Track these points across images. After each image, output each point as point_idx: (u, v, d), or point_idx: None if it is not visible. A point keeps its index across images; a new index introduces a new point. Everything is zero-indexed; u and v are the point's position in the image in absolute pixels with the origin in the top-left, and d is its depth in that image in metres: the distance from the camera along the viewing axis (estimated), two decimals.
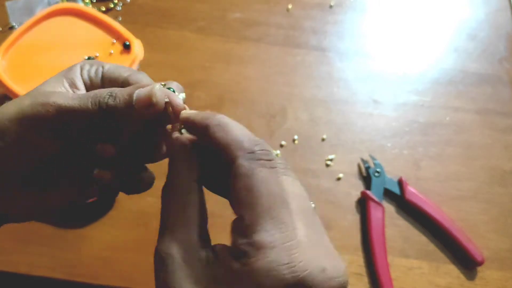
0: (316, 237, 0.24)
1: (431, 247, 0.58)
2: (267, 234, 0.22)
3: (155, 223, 0.58)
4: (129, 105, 0.28)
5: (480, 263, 0.56)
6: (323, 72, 0.70)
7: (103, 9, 0.72)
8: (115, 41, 0.60)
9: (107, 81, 0.32)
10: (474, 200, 0.61)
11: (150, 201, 0.58)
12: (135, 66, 0.59)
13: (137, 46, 0.60)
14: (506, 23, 0.77)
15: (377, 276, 0.55)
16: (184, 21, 0.72)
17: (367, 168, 0.61)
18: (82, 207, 0.56)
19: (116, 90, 0.29)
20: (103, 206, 0.57)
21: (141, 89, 0.28)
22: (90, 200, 0.56)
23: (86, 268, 0.54)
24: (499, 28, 0.76)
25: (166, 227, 0.25)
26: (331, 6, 0.76)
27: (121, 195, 0.58)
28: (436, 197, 0.61)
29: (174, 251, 0.24)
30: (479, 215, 0.60)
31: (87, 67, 0.33)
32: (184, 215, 0.26)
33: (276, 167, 0.25)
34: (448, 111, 0.68)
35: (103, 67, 0.33)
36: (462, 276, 0.56)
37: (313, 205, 0.28)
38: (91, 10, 0.61)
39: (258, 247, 0.22)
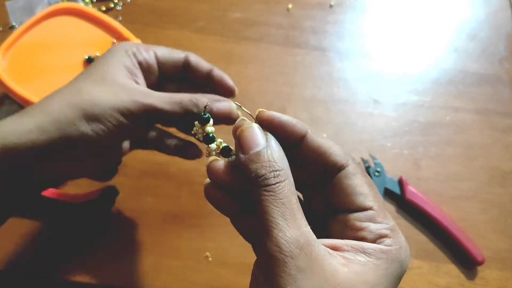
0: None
1: (431, 247, 0.58)
2: (392, 221, 0.27)
3: (155, 223, 0.58)
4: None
5: (480, 263, 0.56)
6: (323, 72, 0.70)
7: (103, 8, 0.72)
8: (115, 40, 0.60)
9: (163, 65, 0.40)
10: (474, 200, 0.61)
11: (150, 201, 0.58)
12: None
13: None
14: (506, 23, 0.77)
15: None
16: (184, 21, 0.72)
17: (367, 168, 0.61)
18: (82, 207, 0.57)
19: (199, 101, 0.37)
20: (103, 206, 0.57)
21: (220, 103, 0.38)
22: (91, 200, 0.57)
23: (86, 268, 0.54)
24: (499, 28, 0.76)
25: (291, 214, 0.25)
26: (331, 6, 0.76)
27: (121, 195, 0.59)
28: (436, 197, 0.61)
29: (310, 240, 0.24)
30: (479, 215, 0.60)
31: (137, 51, 0.39)
32: (298, 204, 0.26)
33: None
34: (448, 111, 0.68)
35: (155, 52, 0.40)
36: (462, 276, 0.56)
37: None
38: (91, 10, 0.61)
39: (394, 229, 0.27)
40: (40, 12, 0.60)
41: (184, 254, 0.55)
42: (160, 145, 0.46)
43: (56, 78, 0.57)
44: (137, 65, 0.39)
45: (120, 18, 0.71)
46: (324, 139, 0.29)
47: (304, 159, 0.29)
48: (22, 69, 0.57)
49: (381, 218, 0.27)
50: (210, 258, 0.55)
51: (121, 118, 0.35)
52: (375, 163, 0.61)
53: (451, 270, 0.57)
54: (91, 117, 0.34)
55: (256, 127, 0.28)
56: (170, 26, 0.71)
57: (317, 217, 0.29)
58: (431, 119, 0.67)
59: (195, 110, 0.36)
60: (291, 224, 0.24)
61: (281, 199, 0.25)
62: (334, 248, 0.26)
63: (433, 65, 0.72)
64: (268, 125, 0.29)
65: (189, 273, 0.54)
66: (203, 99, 0.37)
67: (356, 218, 0.27)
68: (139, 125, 0.37)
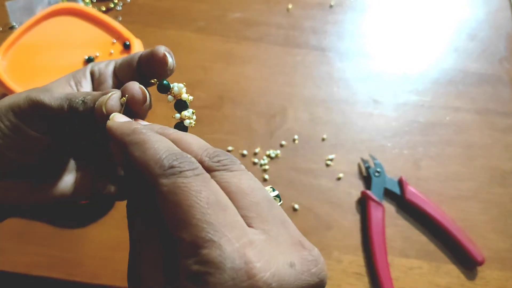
0: (275, 229, 0.22)
1: (431, 247, 0.58)
2: (213, 245, 0.20)
3: None
4: (91, 111, 0.28)
5: (480, 263, 0.56)
6: (323, 72, 0.70)
7: (103, 9, 0.72)
8: (115, 41, 0.60)
9: (121, 73, 0.32)
10: (474, 200, 0.61)
11: None
12: None
13: (137, 46, 0.60)
14: (506, 23, 0.77)
15: (377, 276, 0.55)
16: (184, 21, 0.72)
17: (367, 168, 0.61)
18: (82, 207, 0.57)
19: (89, 96, 0.28)
20: (103, 206, 0.57)
21: (102, 97, 0.28)
22: (82, 202, 0.56)
23: (85, 268, 0.54)
24: (499, 28, 0.76)
25: None
26: (331, 6, 0.76)
27: None
28: (436, 197, 0.61)
29: None
30: (479, 215, 0.60)
31: (100, 65, 0.33)
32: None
33: (202, 173, 0.22)
34: (448, 111, 0.68)
35: (116, 63, 0.33)
36: (462, 276, 0.56)
37: (275, 193, 0.26)
38: (91, 10, 0.61)
39: (206, 261, 0.20)
40: (40, 12, 0.60)
41: None
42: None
43: (56, 78, 0.57)
44: (87, 74, 0.33)
45: (120, 18, 0.71)
46: (142, 149, 0.24)
47: None
48: (22, 69, 0.57)
49: (192, 250, 0.22)
50: None
51: (12, 117, 0.29)
52: (375, 163, 0.61)
53: (451, 270, 0.57)
54: None
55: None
56: (170, 26, 0.71)
57: None
58: (431, 119, 0.67)
59: (80, 108, 0.28)
60: None
61: None
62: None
63: (433, 65, 0.72)
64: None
65: None
66: (90, 96, 0.28)
67: (179, 249, 0.23)
68: (31, 125, 0.29)
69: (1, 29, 0.69)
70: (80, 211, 0.57)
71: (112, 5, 0.72)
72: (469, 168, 0.63)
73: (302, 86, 0.68)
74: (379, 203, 0.58)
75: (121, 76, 0.32)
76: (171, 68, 0.30)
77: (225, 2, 0.75)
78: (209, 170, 0.23)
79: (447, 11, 0.78)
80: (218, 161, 0.24)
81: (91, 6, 0.72)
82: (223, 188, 0.23)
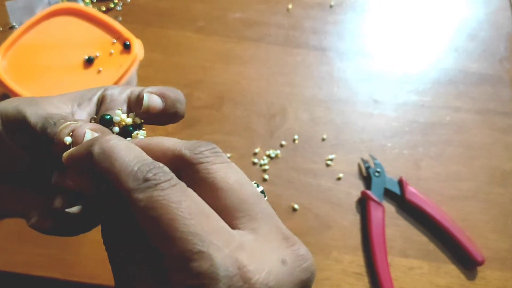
0: (264, 226, 0.21)
1: (431, 247, 0.58)
2: (202, 256, 0.19)
3: None
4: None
5: (480, 263, 0.56)
6: (323, 72, 0.70)
7: (103, 9, 0.72)
8: (115, 41, 0.60)
9: (133, 104, 0.28)
10: (474, 200, 0.61)
11: None
12: (135, 66, 0.59)
13: (137, 46, 0.60)
14: (506, 23, 0.77)
15: (377, 276, 0.55)
16: (184, 21, 0.72)
17: (367, 168, 0.61)
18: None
19: (62, 120, 0.25)
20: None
21: (63, 125, 0.25)
22: None
23: (85, 268, 0.54)
24: (500, 28, 0.76)
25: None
26: (331, 6, 0.76)
27: None
28: (436, 197, 0.61)
29: None
30: (479, 215, 0.60)
31: (113, 88, 0.29)
32: None
33: (178, 183, 0.20)
34: (448, 111, 0.68)
35: (132, 91, 0.29)
36: (462, 276, 0.56)
37: (260, 189, 0.24)
38: (91, 10, 0.61)
39: (199, 274, 0.19)
40: (40, 12, 0.60)
41: None
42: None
43: (56, 78, 0.57)
44: (95, 97, 0.29)
45: (120, 18, 0.71)
46: (111, 159, 0.21)
47: None
48: (22, 69, 0.57)
49: (183, 263, 0.20)
50: None
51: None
52: (375, 163, 0.61)
53: (452, 270, 0.57)
54: None
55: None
56: (170, 26, 0.71)
57: None
58: (431, 119, 0.67)
59: (48, 130, 0.25)
60: None
61: None
62: None
63: (433, 65, 0.72)
64: (76, 166, 0.23)
65: None
66: (68, 124, 0.25)
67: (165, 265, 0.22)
68: (12, 136, 0.27)
69: (1, 29, 0.69)
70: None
71: (112, 5, 0.72)
72: (469, 168, 0.63)
73: (302, 86, 0.68)
74: (379, 203, 0.58)
75: (133, 107, 0.28)
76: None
77: (225, 2, 0.75)
78: (191, 163, 0.22)
79: (447, 11, 0.78)
80: (201, 152, 0.22)
81: (91, 6, 0.72)
82: (209, 184, 0.21)
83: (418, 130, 0.66)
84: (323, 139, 0.64)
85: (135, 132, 0.26)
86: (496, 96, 0.69)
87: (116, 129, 0.26)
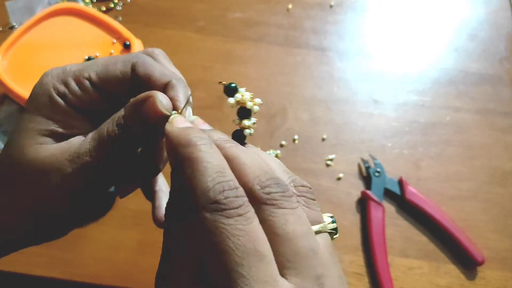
0: (307, 285, 0.21)
1: (431, 247, 0.58)
2: None
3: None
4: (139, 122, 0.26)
5: (480, 263, 0.56)
6: (323, 72, 0.70)
7: (103, 9, 0.72)
8: (115, 41, 0.60)
9: (108, 85, 0.28)
10: (474, 200, 0.61)
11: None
12: None
13: (137, 46, 0.60)
14: (506, 23, 0.77)
15: (377, 276, 0.55)
16: (184, 21, 0.72)
17: (367, 168, 0.61)
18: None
19: (120, 120, 0.27)
20: (103, 206, 0.57)
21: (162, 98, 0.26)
22: None
23: (85, 268, 0.54)
24: (500, 28, 0.76)
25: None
26: (331, 6, 0.76)
27: None
28: (436, 197, 0.61)
29: None
30: (479, 215, 0.60)
31: (62, 88, 0.28)
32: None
33: (245, 213, 0.21)
34: (448, 111, 0.68)
35: (90, 77, 0.28)
36: (462, 276, 0.56)
37: (333, 225, 0.25)
38: (91, 10, 0.61)
39: None
40: (40, 12, 0.60)
41: None
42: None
43: None
44: (58, 108, 0.27)
45: (120, 18, 0.71)
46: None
47: None
48: (22, 69, 0.57)
49: None
50: None
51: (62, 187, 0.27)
52: (375, 163, 0.61)
53: (452, 270, 0.57)
54: None
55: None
56: (170, 26, 0.71)
57: None
58: (431, 119, 0.67)
59: (120, 134, 0.26)
60: None
61: None
62: None
63: (433, 65, 0.72)
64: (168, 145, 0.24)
65: None
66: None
67: None
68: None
69: (1, 29, 0.69)
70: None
71: (112, 5, 0.72)
72: (469, 168, 0.63)
73: (302, 86, 0.68)
74: (379, 203, 0.58)
75: (108, 89, 0.28)
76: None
77: (225, 2, 0.75)
78: (257, 201, 0.22)
79: (447, 11, 0.78)
80: (269, 193, 0.22)
81: (91, 6, 0.72)
82: (267, 227, 0.22)
83: (418, 130, 0.66)
84: (323, 139, 0.64)
85: (250, 119, 0.28)
86: (496, 96, 0.69)
87: (232, 100, 0.28)
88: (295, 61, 0.70)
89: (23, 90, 0.54)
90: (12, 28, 0.68)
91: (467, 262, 0.57)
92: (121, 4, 0.73)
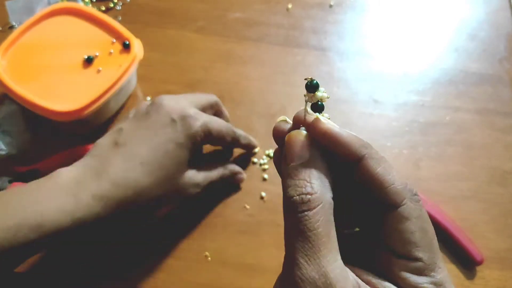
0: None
1: None
2: (443, 273, 0.25)
3: (155, 223, 0.58)
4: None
5: (479, 263, 0.56)
6: (323, 72, 0.70)
7: (103, 8, 0.72)
8: (115, 40, 0.60)
9: (213, 140, 0.52)
10: (474, 200, 0.61)
11: None
12: (134, 66, 0.59)
13: (137, 46, 0.60)
14: (506, 23, 0.77)
15: None
16: (184, 21, 0.72)
17: None
18: None
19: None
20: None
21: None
22: None
23: (86, 268, 0.54)
24: (500, 28, 0.76)
25: (314, 251, 0.22)
26: (331, 6, 0.76)
27: None
28: (436, 197, 0.61)
29: (332, 280, 0.22)
30: (479, 215, 0.60)
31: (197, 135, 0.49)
32: (331, 239, 0.23)
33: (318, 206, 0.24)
34: (448, 111, 0.68)
35: (210, 130, 0.50)
36: (461, 276, 0.56)
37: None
38: (91, 9, 0.61)
39: (439, 284, 0.25)
40: (40, 11, 0.60)
41: (184, 254, 0.55)
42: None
43: (56, 78, 0.57)
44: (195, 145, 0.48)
45: (120, 18, 0.71)
46: (383, 166, 0.25)
47: (358, 185, 0.26)
48: (22, 69, 0.57)
49: (428, 271, 0.25)
50: (209, 258, 0.55)
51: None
52: None
53: (451, 270, 0.57)
54: None
55: (304, 136, 0.25)
56: (170, 26, 0.71)
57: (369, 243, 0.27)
58: (431, 119, 0.67)
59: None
60: (311, 263, 0.22)
61: (305, 232, 0.22)
62: (368, 283, 0.24)
63: (433, 65, 0.72)
64: (321, 138, 0.26)
65: (189, 273, 0.54)
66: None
67: (399, 264, 0.24)
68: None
69: (0, 28, 0.69)
70: None
71: (111, 5, 0.72)
72: (469, 168, 0.63)
73: (302, 86, 0.68)
74: None
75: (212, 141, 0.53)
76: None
77: (225, 2, 0.75)
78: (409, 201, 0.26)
79: (447, 11, 0.78)
80: (415, 194, 0.26)
81: (90, 5, 0.72)
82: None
83: (418, 130, 0.66)
84: None
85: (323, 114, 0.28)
86: (496, 96, 0.69)
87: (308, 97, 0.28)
88: (295, 61, 0.70)
89: (23, 90, 0.54)
90: (11, 27, 0.68)
91: (466, 262, 0.57)
92: (121, 4, 0.73)
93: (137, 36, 0.61)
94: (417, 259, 0.25)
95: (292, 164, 0.24)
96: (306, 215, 0.23)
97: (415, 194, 0.25)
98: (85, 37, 0.60)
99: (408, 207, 0.25)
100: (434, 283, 0.25)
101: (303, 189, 0.23)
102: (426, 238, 0.25)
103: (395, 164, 0.62)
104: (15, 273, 0.53)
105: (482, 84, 0.70)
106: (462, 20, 0.77)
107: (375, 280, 0.24)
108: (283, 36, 0.72)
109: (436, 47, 0.74)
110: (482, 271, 0.57)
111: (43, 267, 0.53)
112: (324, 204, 0.23)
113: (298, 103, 0.67)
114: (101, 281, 0.53)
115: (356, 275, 0.24)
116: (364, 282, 0.24)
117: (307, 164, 0.24)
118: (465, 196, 0.61)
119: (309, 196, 0.23)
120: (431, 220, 0.59)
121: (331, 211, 0.24)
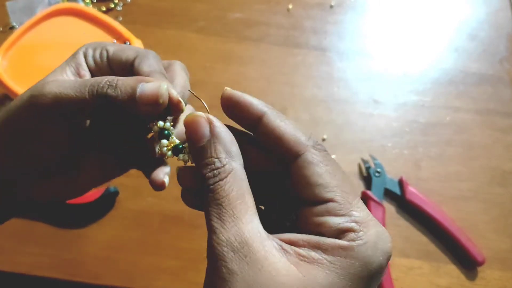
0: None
1: (431, 247, 0.58)
2: (363, 211, 0.24)
3: (155, 223, 0.58)
4: (131, 99, 0.28)
5: (480, 263, 0.56)
6: (323, 72, 0.70)
7: (104, 9, 0.72)
8: (115, 41, 0.60)
9: (115, 64, 0.33)
10: (474, 200, 0.61)
11: (150, 201, 0.58)
12: None
13: (137, 46, 0.60)
14: (506, 23, 0.77)
15: None
16: (184, 21, 0.72)
17: (368, 168, 0.61)
18: (82, 207, 0.56)
19: (115, 80, 0.29)
20: (103, 206, 0.57)
21: (146, 84, 0.28)
22: (91, 200, 0.56)
23: (86, 268, 0.54)
24: (500, 28, 0.76)
25: (228, 215, 0.23)
26: (331, 6, 0.76)
27: (121, 195, 0.58)
28: (436, 197, 0.61)
29: (248, 239, 0.22)
30: (479, 215, 0.60)
31: (90, 52, 0.34)
32: (246, 202, 0.24)
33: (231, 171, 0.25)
34: (448, 111, 0.68)
35: (107, 51, 0.33)
36: (462, 276, 0.56)
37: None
38: (91, 10, 0.61)
39: (361, 222, 0.23)
40: (40, 12, 0.60)
41: (184, 254, 0.55)
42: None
43: None
44: (83, 64, 0.35)
45: (120, 19, 0.71)
46: (283, 122, 0.25)
47: (262, 145, 0.26)
48: (22, 69, 0.57)
49: (344, 210, 0.24)
50: None
51: (26, 118, 0.31)
52: (375, 164, 0.61)
53: (452, 271, 0.57)
54: None
55: (199, 116, 0.25)
56: (170, 26, 0.71)
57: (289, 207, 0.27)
58: (431, 119, 0.67)
59: (111, 92, 0.28)
60: (226, 226, 0.22)
61: (217, 199, 0.23)
62: (291, 243, 0.23)
63: (433, 65, 0.72)
64: (228, 105, 0.27)
65: (189, 273, 0.54)
66: (122, 79, 0.29)
67: (314, 212, 0.24)
68: (53, 123, 0.30)
69: (1, 29, 0.69)
70: (80, 211, 0.57)
71: (112, 5, 0.72)
72: (469, 168, 0.63)
73: (302, 86, 0.68)
74: (379, 203, 0.58)
75: (114, 67, 0.33)
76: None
77: (225, 2, 0.75)
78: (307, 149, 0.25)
79: (447, 11, 0.78)
80: (319, 144, 0.25)
81: (91, 6, 0.72)
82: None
83: (418, 130, 0.66)
84: (323, 139, 0.64)
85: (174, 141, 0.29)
86: (496, 96, 0.69)
87: (165, 142, 0.29)
88: (295, 61, 0.70)
89: (23, 90, 0.54)
90: (12, 28, 0.68)
91: (467, 262, 0.57)
92: (121, 4, 0.73)
93: (137, 36, 0.61)
94: (329, 200, 0.24)
95: (197, 145, 0.25)
96: (218, 184, 0.24)
97: (320, 144, 0.25)
98: (85, 37, 0.60)
99: (311, 153, 0.24)
100: (355, 221, 0.23)
101: (213, 165, 0.24)
102: (335, 179, 0.24)
103: (395, 164, 0.62)
104: (15, 273, 0.53)
105: (482, 84, 0.70)
106: (462, 20, 0.77)
107: (298, 238, 0.24)
108: (283, 36, 0.72)
109: (436, 47, 0.74)
110: (483, 272, 0.57)
111: (43, 267, 0.53)
112: (234, 172, 0.24)
113: (298, 103, 0.67)
114: (100, 281, 0.53)
115: (281, 240, 0.24)
116: (288, 244, 0.23)
117: (211, 141, 0.25)
118: (465, 196, 0.61)
119: (219, 169, 0.24)
120: (431, 220, 0.59)
121: (244, 176, 0.24)
